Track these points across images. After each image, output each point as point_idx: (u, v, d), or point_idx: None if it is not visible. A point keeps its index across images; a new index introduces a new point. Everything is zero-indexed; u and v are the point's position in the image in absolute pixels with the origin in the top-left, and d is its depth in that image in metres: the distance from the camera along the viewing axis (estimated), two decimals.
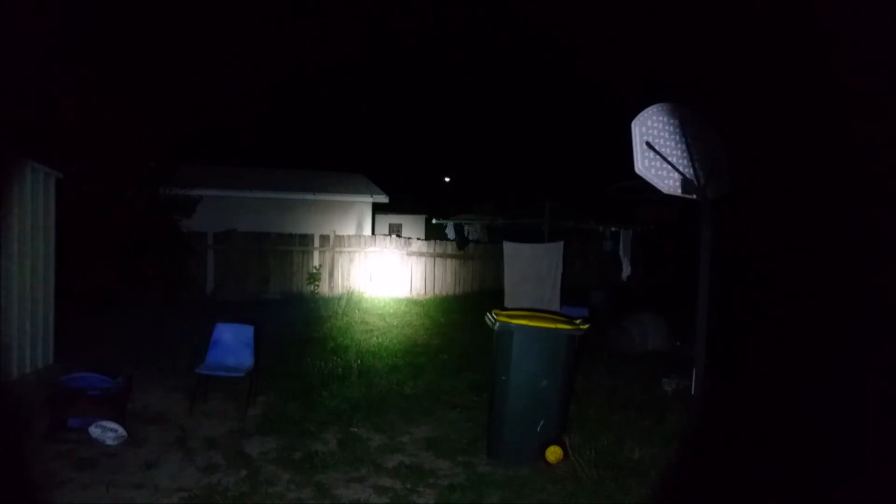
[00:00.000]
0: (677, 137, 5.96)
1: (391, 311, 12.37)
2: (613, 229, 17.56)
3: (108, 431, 5.09)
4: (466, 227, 18.37)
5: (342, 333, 9.91)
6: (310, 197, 15.96)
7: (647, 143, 5.76)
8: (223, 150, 24.37)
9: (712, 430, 5.66)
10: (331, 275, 14.30)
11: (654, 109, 5.94)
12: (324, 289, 13.97)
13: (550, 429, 5.01)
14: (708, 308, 5.84)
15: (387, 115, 42.62)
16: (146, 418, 5.72)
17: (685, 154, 5.99)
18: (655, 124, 5.92)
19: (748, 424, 5.79)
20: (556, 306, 11.09)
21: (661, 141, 5.90)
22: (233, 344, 6.45)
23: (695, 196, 5.99)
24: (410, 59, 44.74)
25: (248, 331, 6.52)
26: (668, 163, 5.87)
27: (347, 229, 15.86)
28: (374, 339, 9.66)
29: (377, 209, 18.77)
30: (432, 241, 16.29)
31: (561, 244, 11.95)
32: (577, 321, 5.20)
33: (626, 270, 17.16)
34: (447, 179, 36.67)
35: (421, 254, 15.40)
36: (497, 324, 5.05)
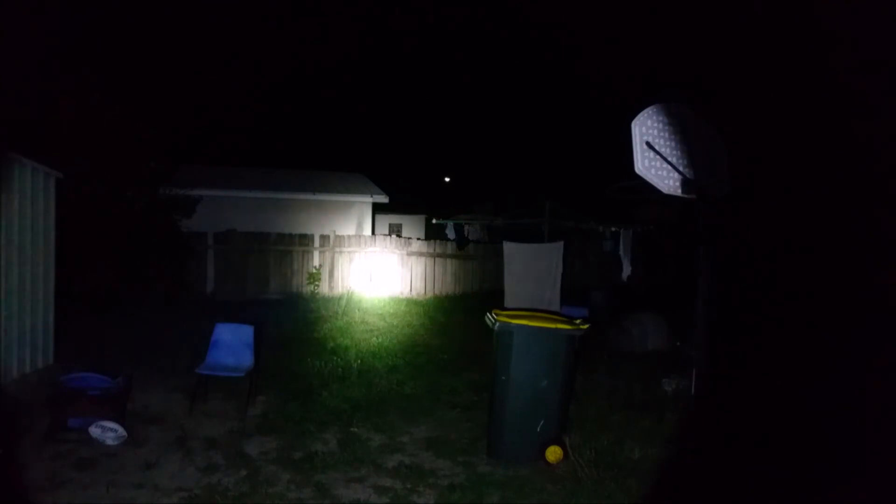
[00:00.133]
0: (677, 137, 5.96)
1: (391, 311, 12.37)
2: (613, 229, 17.58)
3: (108, 431, 5.09)
4: (466, 227, 18.38)
5: (342, 333, 9.91)
6: (310, 197, 15.97)
7: (647, 143, 5.76)
8: (223, 150, 24.39)
9: (712, 430, 5.66)
10: (331, 275, 14.30)
11: (654, 109, 5.95)
12: (324, 289, 13.97)
13: (550, 429, 5.01)
14: (708, 308, 5.84)
15: (387, 114, 42.65)
16: (146, 418, 5.72)
17: (685, 154, 5.99)
18: (655, 124, 5.92)
19: (748, 424, 5.79)
20: (556, 306, 11.09)
21: (661, 141, 5.90)
22: (233, 344, 6.45)
23: (695, 196, 5.99)
24: (410, 59, 44.74)
25: (248, 331, 6.52)
26: (668, 163, 5.87)
27: (347, 229, 15.86)
28: (374, 339, 9.66)
29: (377, 209, 18.76)
30: (432, 241, 16.29)
31: (561, 244, 11.95)
32: (577, 321, 5.20)
33: (626, 270, 17.18)
34: (447, 179, 36.67)
35: (421, 254, 15.40)
36: (497, 324, 5.04)
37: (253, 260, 13.82)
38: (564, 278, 11.78)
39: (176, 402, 6.21)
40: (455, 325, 11.03)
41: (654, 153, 5.80)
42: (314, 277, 13.84)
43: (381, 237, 15.57)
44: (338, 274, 14.39)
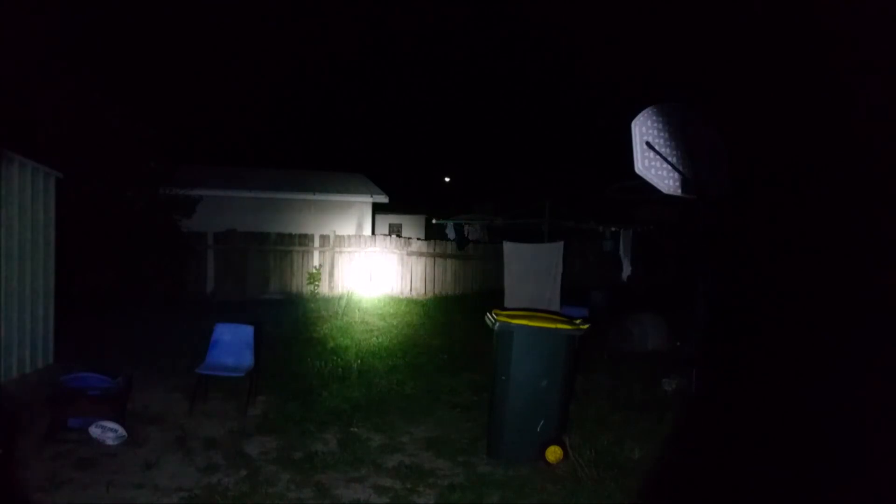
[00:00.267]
0: (677, 137, 5.97)
1: (391, 311, 12.37)
2: (613, 229, 17.57)
3: (108, 431, 5.09)
4: (466, 227, 18.37)
5: (342, 333, 9.91)
6: (310, 197, 15.96)
7: (647, 143, 5.77)
8: (223, 150, 24.40)
9: (712, 430, 5.66)
10: (331, 275, 14.30)
11: (654, 109, 5.95)
12: (324, 289, 13.97)
13: (550, 429, 5.01)
14: (708, 308, 5.85)
15: (387, 114, 42.65)
16: (146, 418, 5.72)
17: (685, 154, 5.99)
18: (655, 124, 5.92)
19: (748, 424, 5.79)
20: (556, 306, 11.09)
21: (661, 141, 5.90)
22: (233, 344, 6.45)
23: (695, 196, 6.00)
24: (410, 59, 44.75)
25: (248, 331, 6.51)
26: (668, 163, 5.88)
27: (347, 229, 15.86)
28: (374, 339, 9.66)
29: (377, 209, 18.76)
30: (432, 241, 16.29)
31: (561, 244, 11.95)
32: (577, 321, 5.20)
33: (626, 270, 17.17)
34: (447, 179, 36.67)
35: (421, 254, 15.40)
36: (497, 324, 5.04)
37: (253, 260, 13.82)
38: (564, 278, 11.78)
39: (176, 402, 6.21)
40: (455, 325, 11.03)
41: (654, 153, 5.80)
42: (314, 277, 13.83)
43: (381, 237, 15.56)
44: (338, 274, 14.39)
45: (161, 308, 10.72)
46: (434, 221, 21.10)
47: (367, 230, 16.55)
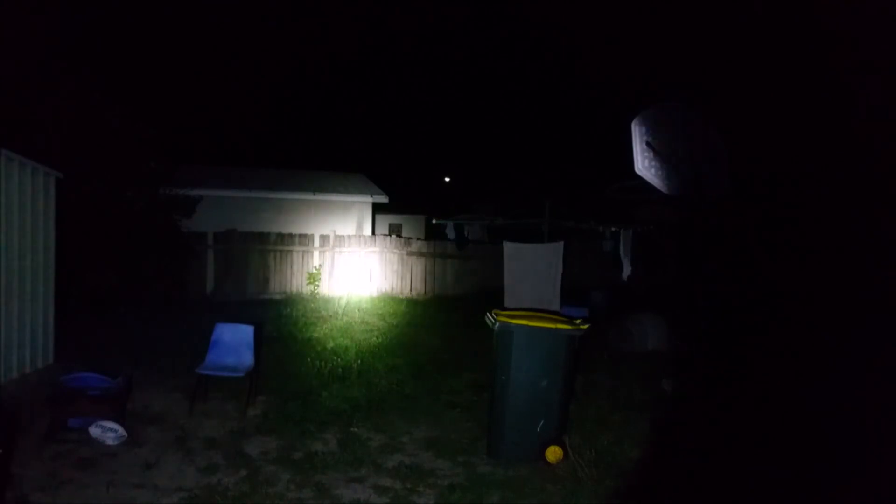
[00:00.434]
0: (677, 137, 5.97)
1: (391, 311, 12.37)
2: (613, 229, 17.57)
3: (108, 431, 5.09)
4: (466, 227, 18.36)
5: (342, 333, 9.91)
6: (310, 197, 15.96)
7: (647, 143, 5.77)
8: (223, 150, 24.41)
9: (713, 430, 5.66)
10: (331, 275, 14.30)
11: (654, 109, 5.95)
12: (324, 289, 13.97)
13: (550, 429, 5.01)
14: (707, 307, 5.85)
15: (386, 114, 42.66)
16: (146, 418, 5.72)
17: (685, 154, 5.99)
18: (655, 124, 5.92)
19: (748, 424, 5.79)
20: (556, 306, 11.09)
21: (662, 141, 5.90)
22: (233, 344, 6.44)
23: (695, 195, 6.00)
24: (410, 59, 44.76)
25: (248, 331, 6.51)
26: (668, 163, 5.88)
27: (347, 229, 15.87)
28: (374, 339, 9.66)
29: (377, 209, 18.76)
30: (432, 241, 16.29)
31: (561, 244, 11.95)
32: (577, 321, 5.20)
33: (626, 270, 17.17)
34: (447, 179, 36.66)
35: (421, 254, 15.40)
36: (497, 324, 5.04)
37: (253, 260, 13.82)
38: (564, 278, 11.78)
39: (176, 402, 6.21)
40: (455, 325, 11.03)
41: (654, 153, 5.80)
42: (314, 277, 13.83)
43: (381, 237, 15.57)
44: (338, 274, 14.39)
45: (161, 308, 10.72)
46: (434, 221, 21.08)
47: (367, 230, 16.55)
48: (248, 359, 6.34)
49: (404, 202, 23.54)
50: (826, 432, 5.29)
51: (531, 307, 9.23)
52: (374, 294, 14.43)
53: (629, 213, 19.13)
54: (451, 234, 17.57)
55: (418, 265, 15.29)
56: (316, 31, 37.74)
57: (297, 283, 14.09)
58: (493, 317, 5.13)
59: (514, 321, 5.02)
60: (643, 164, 5.77)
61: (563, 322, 5.14)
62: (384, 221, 23.01)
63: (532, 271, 11.84)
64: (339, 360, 8.04)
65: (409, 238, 16.22)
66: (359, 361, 8.02)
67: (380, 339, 9.62)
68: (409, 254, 15.20)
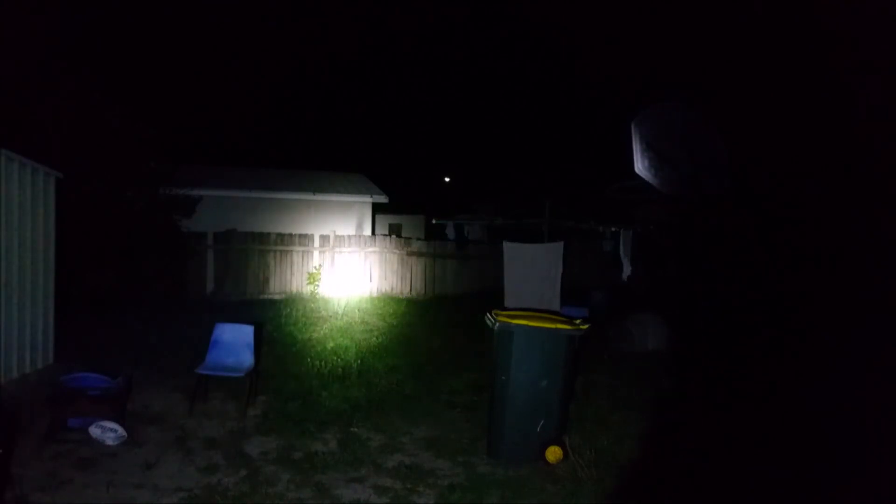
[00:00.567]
0: (677, 137, 5.97)
1: (391, 311, 12.37)
2: (613, 229, 17.58)
3: (108, 431, 5.09)
4: (466, 227, 18.38)
5: (342, 333, 9.91)
6: (310, 197, 15.97)
7: (647, 143, 5.77)
8: (223, 150, 24.41)
9: (713, 430, 5.66)
10: (331, 275, 14.30)
11: (654, 109, 5.96)
12: (324, 289, 13.97)
13: (550, 429, 5.01)
14: (708, 307, 5.86)
15: (386, 114, 42.66)
16: (146, 418, 5.72)
17: (685, 154, 5.99)
18: (655, 124, 5.92)
19: (748, 424, 5.79)
20: (556, 306, 11.09)
21: (661, 141, 5.90)
22: (233, 344, 6.44)
23: (695, 195, 6.00)
24: (410, 59, 44.76)
25: (247, 331, 6.51)
26: (668, 163, 5.88)
27: (347, 229, 15.87)
28: (374, 339, 9.66)
29: (377, 209, 18.76)
30: (432, 241, 16.28)
31: (561, 244, 11.95)
32: (577, 321, 5.20)
33: (626, 270, 17.18)
34: (447, 179, 36.67)
35: (421, 254, 15.40)
36: (497, 324, 5.04)
37: (253, 260, 13.81)
38: (564, 278, 11.78)
39: (176, 402, 6.21)
40: (455, 325, 11.02)
41: (654, 153, 5.81)
42: (314, 277, 13.83)
43: (381, 237, 15.56)
44: (338, 274, 14.38)
45: (161, 308, 10.71)
46: (434, 221, 21.10)
47: (367, 230, 16.55)
48: (248, 359, 6.34)
49: (404, 202, 23.54)
50: (826, 432, 5.29)
51: (531, 307, 9.23)
52: (374, 294, 14.43)
53: (629, 213, 19.15)
54: (451, 234, 17.59)
55: (418, 265, 15.28)
56: (316, 31, 37.75)
57: (297, 283, 14.08)
58: (493, 317, 5.13)
59: (514, 321, 5.02)
60: (643, 164, 5.78)
61: (563, 322, 5.14)
62: (384, 221, 23.01)
63: (532, 271, 11.85)
64: (339, 360, 8.04)
65: (409, 238, 16.22)
66: (359, 361, 8.01)
67: (380, 339, 9.62)
68: (409, 254, 15.20)
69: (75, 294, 8.88)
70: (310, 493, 4.36)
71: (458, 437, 5.55)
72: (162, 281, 12.01)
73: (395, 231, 22.54)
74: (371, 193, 16.86)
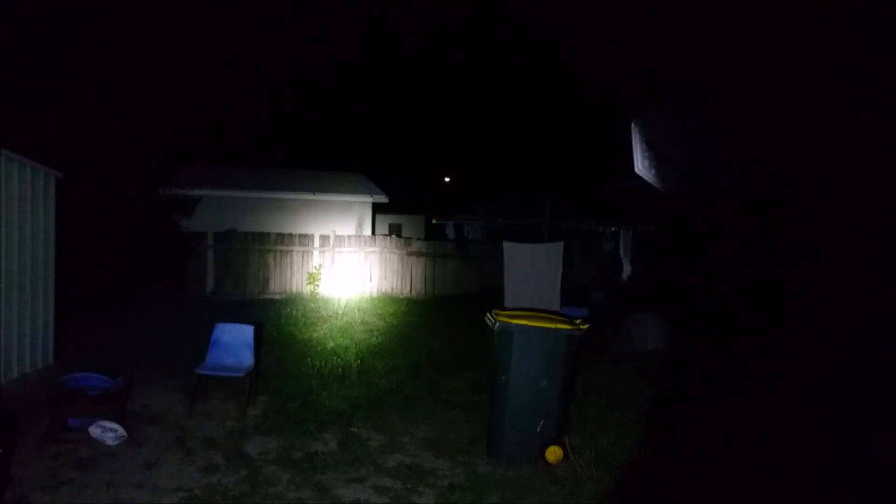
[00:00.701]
0: (677, 137, 5.97)
1: (391, 310, 12.37)
2: (613, 229, 17.58)
3: (108, 431, 5.09)
4: (466, 227, 18.38)
5: (342, 333, 9.91)
6: (310, 197, 15.97)
7: (647, 143, 5.77)
8: (223, 150, 24.40)
9: (713, 431, 5.66)
10: (331, 275, 14.30)
11: (654, 109, 5.95)
12: (324, 289, 13.97)
13: (550, 429, 5.01)
14: (708, 307, 5.86)
15: (386, 114, 42.66)
16: (146, 418, 5.72)
17: (685, 154, 5.99)
18: (655, 124, 5.92)
19: (748, 424, 5.79)
20: (556, 306, 11.09)
21: (661, 141, 5.91)
22: (233, 344, 6.44)
23: (695, 195, 6.00)
24: (410, 59, 44.76)
25: (247, 331, 6.51)
26: (668, 163, 5.88)
27: (347, 229, 15.87)
28: (374, 339, 9.66)
29: (377, 209, 18.76)
30: (432, 241, 16.29)
31: (561, 244, 11.96)
32: (577, 321, 5.20)
33: (626, 270, 17.18)
34: (447, 179, 36.67)
35: (421, 254, 15.40)
36: (497, 324, 5.04)
37: (253, 260, 13.82)
38: (564, 278, 11.78)
39: (176, 402, 6.21)
40: (455, 325, 11.03)
41: (654, 153, 5.81)
42: (314, 277, 13.83)
43: (381, 237, 15.56)
44: (338, 274, 14.39)
45: (161, 308, 10.72)
46: (434, 221, 21.10)
47: (367, 230, 16.55)
48: (248, 359, 6.35)
49: (404, 202, 23.55)
50: (826, 432, 5.29)
51: (531, 307, 9.22)
52: (374, 294, 14.43)
53: (629, 213, 19.16)
54: (451, 234, 17.59)
55: (418, 265, 15.29)
56: (316, 31, 37.75)
57: (297, 283, 14.08)
58: (493, 317, 5.13)
59: (514, 321, 5.02)
60: (643, 164, 5.78)
61: (563, 322, 5.14)
62: (384, 221, 23.02)
63: (532, 271, 11.85)
64: (339, 360, 8.04)
65: (409, 238, 16.22)
66: (359, 361, 8.01)
67: (380, 339, 9.62)
68: (409, 254, 15.20)
69: (75, 294, 8.88)
70: (310, 493, 4.36)
71: (458, 437, 5.55)
72: (162, 281, 12.02)
73: (395, 231, 22.54)
74: (371, 193, 16.86)
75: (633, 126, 5.80)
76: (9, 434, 4.53)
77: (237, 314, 9.97)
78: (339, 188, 16.83)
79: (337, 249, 14.38)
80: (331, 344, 9.11)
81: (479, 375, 7.29)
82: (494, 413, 5.09)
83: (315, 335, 9.74)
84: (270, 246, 13.98)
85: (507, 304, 11.42)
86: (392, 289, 14.87)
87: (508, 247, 12.18)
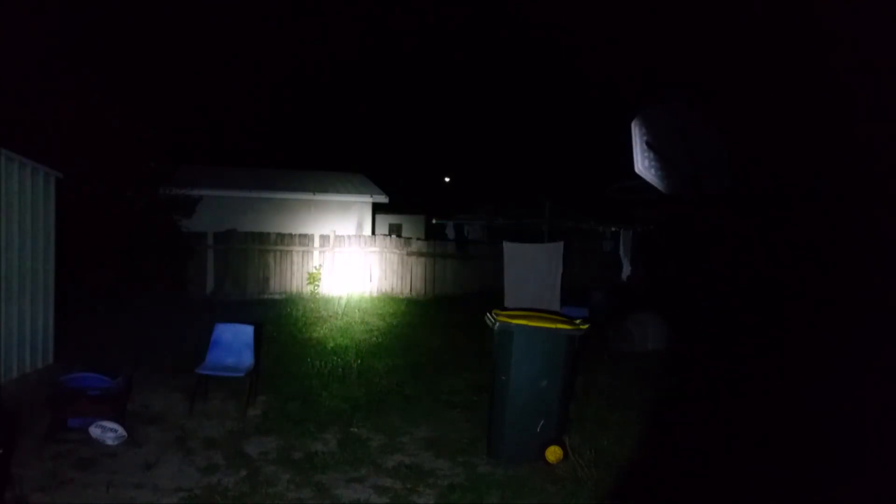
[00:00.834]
0: (677, 137, 5.97)
1: (391, 311, 12.37)
2: (613, 229, 17.58)
3: (108, 431, 5.09)
4: (466, 227, 18.39)
5: (342, 333, 9.91)
6: (310, 197, 15.97)
7: (647, 143, 5.76)
8: (223, 150, 24.42)
9: (713, 431, 5.66)
10: (331, 275, 14.30)
11: (654, 109, 5.95)
12: (324, 289, 13.97)
13: (550, 429, 5.01)
14: (708, 307, 5.86)
15: (386, 114, 42.68)
16: (146, 418, 5.72)
17: (685, 154, 5.99)
18: (655, 124, 5.92)
19: (748, 424, 5.79)
20: (556, 306, 11.09)
21: (661, 141, 5.90)
22: (233, 344, 6.45)
23: (694, 195, 6.00)
24: (410, 59, 44.77)
25: (247, 331, 6.51)
26: (668, 163, 5.88)
27: (347, 229, 15.86)
28: (374, 339, 9.66)
29: (377, 209, 18.76)
30: (432, 241, 16.28)
31: (561, 244, 11.96)
32: (577, 321, 5.20)
33: (626, 270, 17.18)
34: (447, 179, 36.67)
35: (421, 254, 15.40)
36: (497, 324, 5.04)
37: (253, 260, 13.82)
38: (564, 278, 11.78)
39: (176, 402, 6.21)
40: (455, 325, 11.03)
41: (654, 153, 5.80)
42: (314, 277, 13.83)
43: (381, 237, 15.56)
44: (338, 274, 14.39)
45: (161, 308, 10.71)
46: (434, 221, 21.11)
47: (367, 230, 16.55)
48: (247, 359, 6.35)
49: (404, 202, 23.54)
50: (826, 432, 5.29)
51: (531, 307, 9.22)
52: (374, 294, 14.43)
53: (629, 213, 19.16)
54: (451, 234, 17.59)
55: (418, 265, 15.29)
56: (316, 31, 37.76)
57: (297, 283, 14.09)
58: (493, 317, 5.13)
59: (514, 321, 5.02)
60: (643, 164, 5.77)
61: (563, 322, 5.14)
62: (384, 221, 23.01)
63: (532, 271, 11.85)
64: (339, 360, 8.04)
65: (409, 238, 16.22)
66: (359, 361, 8.01)
67: (380, 339, 9.62)
68: (409, 254, 15.20)
69: (75, 294, 8.87)
70: (310, 493, 4.36)
71: (458, 437, 5.55)
72: (162, 281, 12.01)
73: (395, 231, 22.53)
74: (371, 193, 16.86)
75: (633, 126, 5.80)
76: (9, 434, 4.53)
77: (237, 314, 9.97)
78: (338, 188, 16.83)
79: (337, 249, 14.38)
80: (331, 344, 9.11)
81: (479, 375, 7.30)
82: (494, 413, 5.09)
83: (315, 335, 9.74)
84: (270, 246, 13.99)
85: (507, 304, 11.42)
86: (392, 289, 14.87)
87: (508, 247, 12.18)
